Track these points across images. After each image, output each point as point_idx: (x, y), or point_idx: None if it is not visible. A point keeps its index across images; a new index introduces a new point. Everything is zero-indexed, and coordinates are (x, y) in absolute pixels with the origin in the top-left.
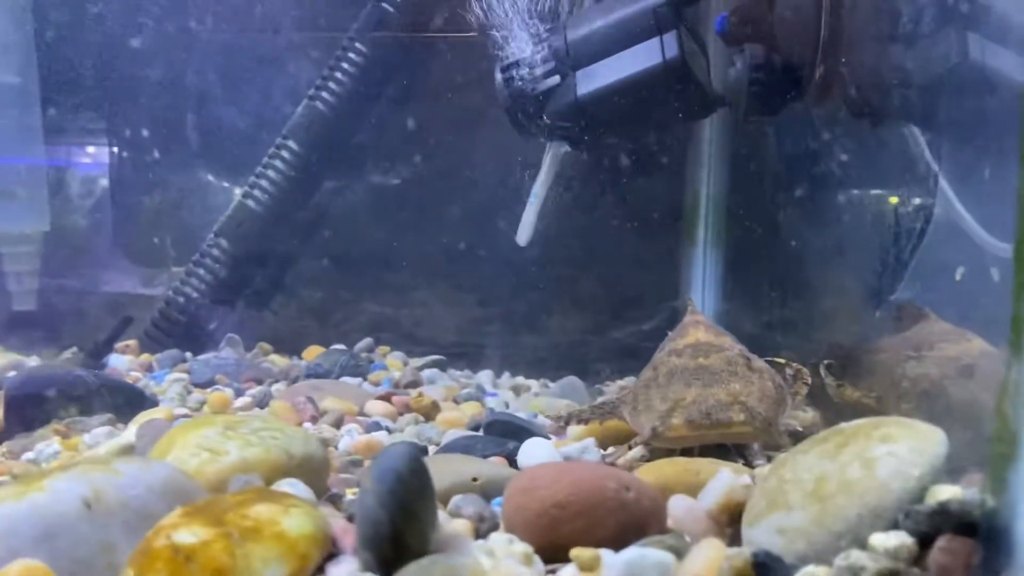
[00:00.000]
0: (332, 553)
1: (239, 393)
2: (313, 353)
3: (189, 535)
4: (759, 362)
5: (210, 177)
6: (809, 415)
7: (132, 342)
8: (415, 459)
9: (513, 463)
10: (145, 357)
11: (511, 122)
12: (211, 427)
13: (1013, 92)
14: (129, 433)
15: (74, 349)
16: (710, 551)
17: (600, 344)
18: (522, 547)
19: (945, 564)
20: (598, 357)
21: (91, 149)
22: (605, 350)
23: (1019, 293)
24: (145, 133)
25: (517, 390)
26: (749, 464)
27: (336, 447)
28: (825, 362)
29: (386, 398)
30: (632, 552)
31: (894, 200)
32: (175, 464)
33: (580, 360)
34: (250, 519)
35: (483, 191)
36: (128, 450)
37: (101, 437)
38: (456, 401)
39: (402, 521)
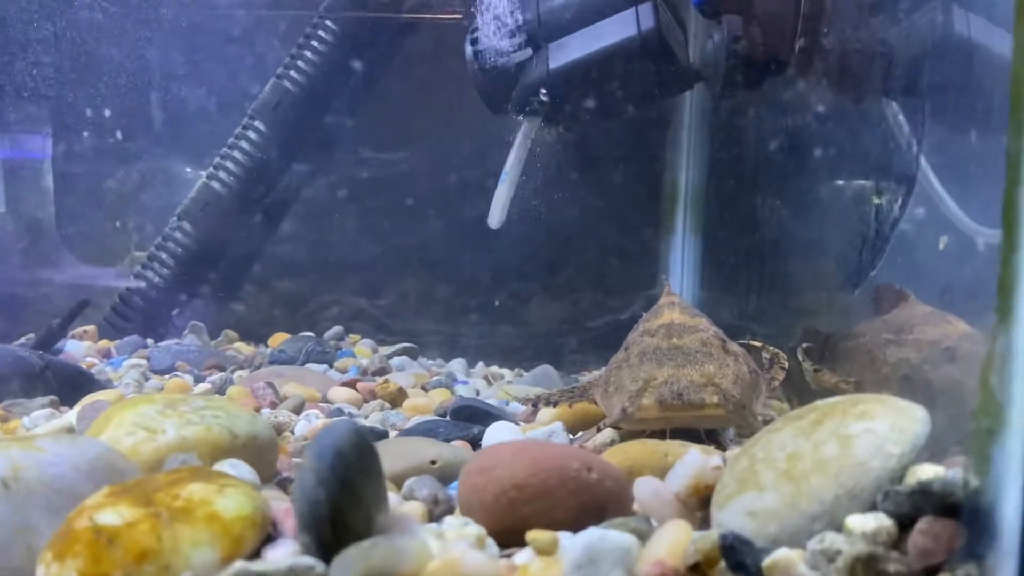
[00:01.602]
0: (271, 536)
1: (199, 380)
2: (279, 340)
3: (114, 516)
4: (734, 345)
5: (171, 161)
6: (786, 406)
7: (91, 328)
8: (358, 436)
9: (477, 447)
10: (104, 343)
11: (482, 97)
12: (150, 405)
13: (997, 65)
14: (71, 416)
15: (30, 335)
16: (675, 534)
17: (577, 334)
18: (475, 529)
19: (926, 547)
20: (575, 347)
21: (39, 135)
22: (581, 340)
23: (1006, 257)
24: (92, 115)
25: (490, 379)
26: (722, 448)
27: (292, 432)
28: (803, 346)
29: (351, 384)
30: (591, 534)
31: (871, 184)
32: (107, 443)
33: (557, 350)
34: (181, 499)
35: (458, 175)
36: (68, 432)
37: (41, 420)
38: (425, 389)
39: (343, 501)
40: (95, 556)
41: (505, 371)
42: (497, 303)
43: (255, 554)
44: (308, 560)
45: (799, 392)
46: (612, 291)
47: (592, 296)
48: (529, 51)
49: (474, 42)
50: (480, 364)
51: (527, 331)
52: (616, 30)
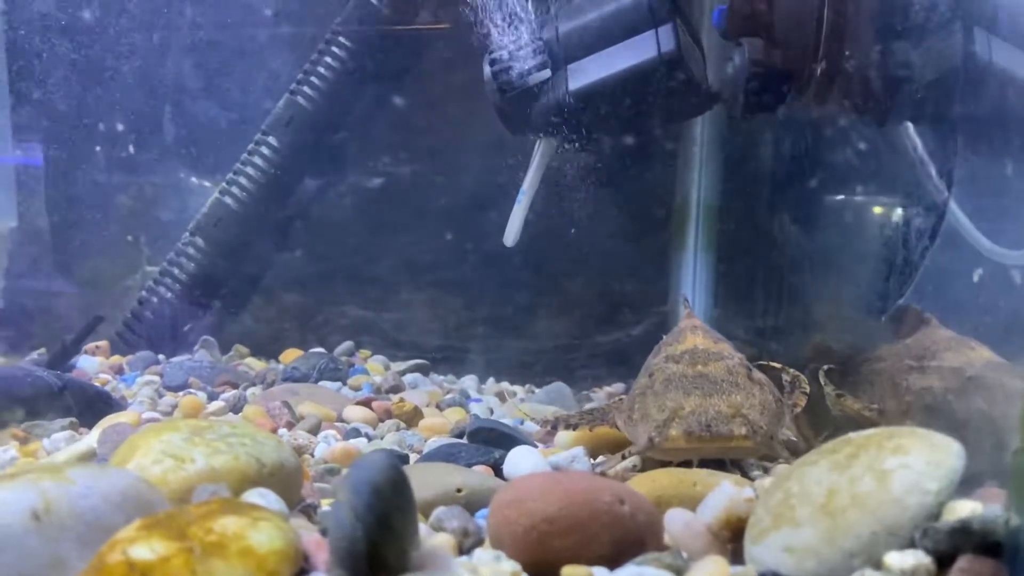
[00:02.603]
0: (304, 569)
1: (213, 397)
2: (291, 356)
3: (147, 550)
4: (758, 373)
5: (184, 175)
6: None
7: (103, 343)
8: (394, 469)
9: (499, 472)
10: (116, 359)
11: (499, 117)
12: (176, 432)
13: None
14: (91, 438)
15: (41, 350)
16: (712, 571)
17: (587, 350)
18: (509, 565)
19: None
20: (585, 363)
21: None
22: (592, 356)
23: None
24: (104, 129)
25: (502, 396)
26: (746, 475)
27: (312, 455)
28: (824, 368)
29: (366, 403)
30: (628, 572)
31: (894, 206)
32: (136, 472)
33: (566, 366)
34: (214, 533)
35: (469, 190)
36: (89, 456)
37: (61, 442)
38: (439, 407)
39: (379, 537)
40: None
41: (517, 387)
42: (506, 318)
43: None
44: None
45: (813, 413)
46: (623, 307)
47: (602, 312)
48: (548, 72)
49: (493, 63)
50: (491, 380)
51: (537, 346)
52: (636, 52)
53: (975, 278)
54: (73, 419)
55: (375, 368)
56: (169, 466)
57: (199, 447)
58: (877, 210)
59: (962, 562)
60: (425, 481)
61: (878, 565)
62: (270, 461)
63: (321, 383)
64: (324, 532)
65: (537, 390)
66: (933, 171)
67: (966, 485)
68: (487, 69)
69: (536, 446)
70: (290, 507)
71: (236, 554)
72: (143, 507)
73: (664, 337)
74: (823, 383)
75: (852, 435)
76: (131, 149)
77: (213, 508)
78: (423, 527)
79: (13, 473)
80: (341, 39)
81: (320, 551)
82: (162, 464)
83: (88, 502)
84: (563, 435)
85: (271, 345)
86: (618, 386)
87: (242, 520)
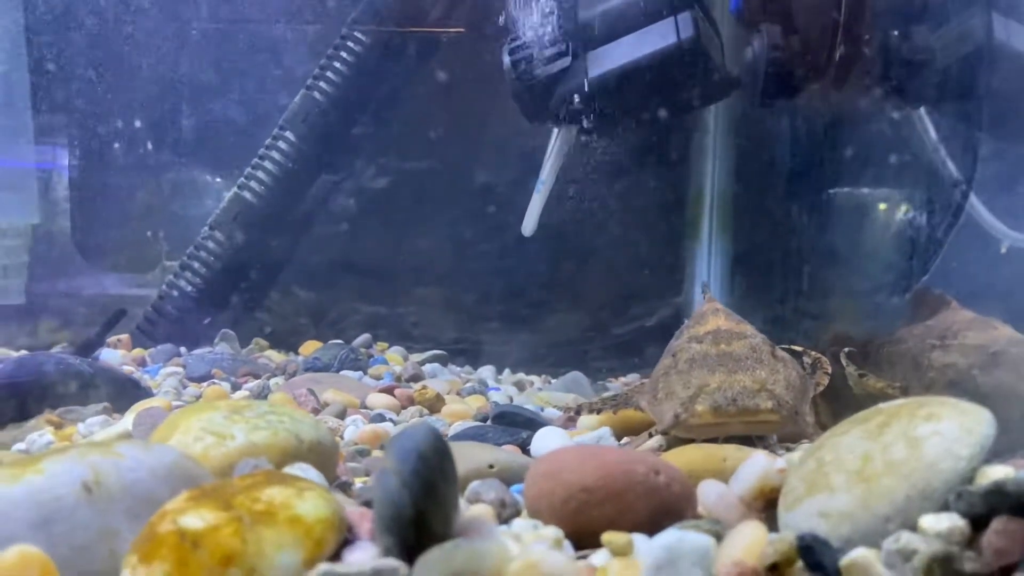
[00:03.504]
0: (348, 539)
1: (236, 387)
2: (310, 348)
3: (196, 519)
4: (781, 351)
5: (201, 171)
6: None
7: (124, 336)
8: (438, 438)
9: (526, 452)
10: (137, 352)
11: (518, 106)
12: (215, 411)
13: None
14: (126, 422)
15: (64, 344)
16: (751, 534)
17: (601, 341)
18: (552, 531)
19: (1002, 547)
20: (599, 355)
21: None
22: (606, 347)
23: None
24: (123, 126)
25: (521, 385)
26: (772, 453)
27: (342, 437)
28: (845, 350)
29: (388, 391)
30: (670, 535)
31: (914, 191)
32: (179, 448)
33: (581, 357)
34: (262, 502)
35: (483, 184)
36: (125, 438)
37: (96, 426)
38: (460, 395)
39: (425, 503)
40: (181, 559)
41: (533, 378)
42: (521, 310)
43: (335, 557)
44: (392, 562)
45: (834, 396)
46: (637, 298)
47: (617, 303)
48: (568, 60)
49: (512, 52)
50: (506, 371)
51: (551, 338)
52: (655, 39)
53: (1003, 249)
54: (106, 404)
55: (394, 359)
56: (210, 442)
57: (238, 424)
58: (895, 193)
59: (997, 524)
60: (459, 458)
61: (913, 528)
62: (308, 438)
63: (342, 373)
64: (368, 504)
65: (553, 380)
66: (950, 153)
67: (995, 459)
68: (506, 58)
69: (560, 430)
70: (328, 484)
71: (284, 522)
72: (189, 481)
73: (686, 321)
74: (845, 364)
75: (882, 405)
76: (149, 146)
77: (258, 479)
78: (461, 501)
79: (62, 448)
80: (357, 34)
81: (364, 522)
82: (203, 441)
83: (136, 475)
84: (586, 419)
85: (288, 339)
86: (633, 377)
87: (288, 490)
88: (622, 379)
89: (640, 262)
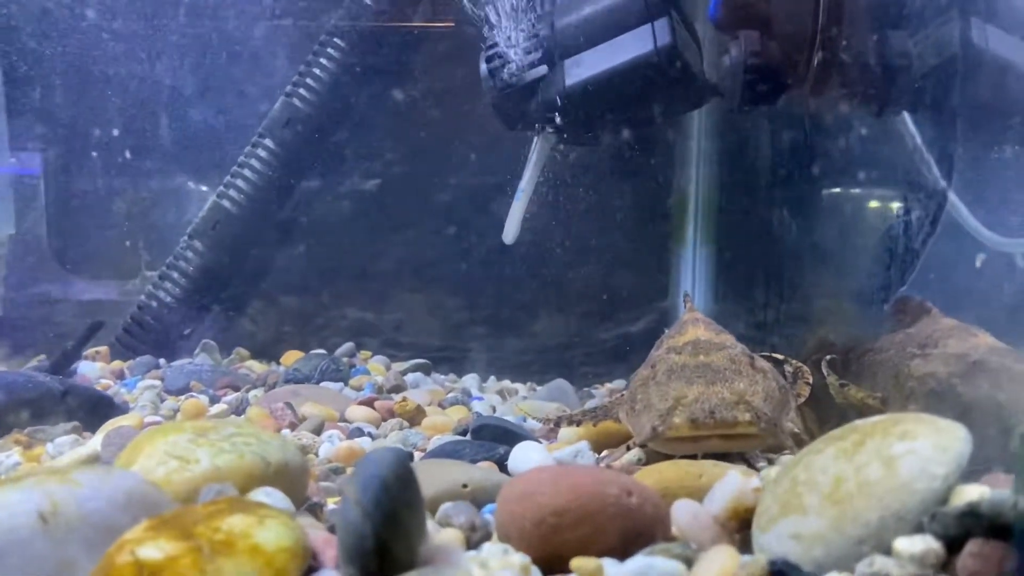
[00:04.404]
0: (312, 567)
1: (214, 400)
2: (292, 358)
3: (155, 550)
4: (762, 361)
5: (180, 179)
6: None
7: (103, 349)
8: (402, 465)
9: (504, 468)
10: (116, 364)
11: (497, 114)
12: (180, 433)
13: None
14: (95, 442)
15: (41, 356)
16: (722, 559)
17: (587, 347)
18: (519, 558)
19: (976, 570)
20: (585, 360)
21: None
22: (592, 353)
23: None
24: (100, 134)
25: (504, 394)
26: (751, 466)
27: (316, 454)
28: (827, 359)
29: (368, 403)
30: (638, 562)
31: (894, 197)
32: (140, 473)
33: (567, 363)
34: (222, 532)
35: (467, 190)
36: (93, 460)
37: (65, 447)
38: (441, 406)
39: (388, 533)
40: None
41: (518, 385)
42: (506, 316)
43: None
44: None
45: (818, 405)
46: (622, 304)
47: (602, 309)
48: (545, 68)
49: (489, 59)
50: (492, 378)
51: (536, 344)
52: (632, 46)
53: (977, 263)
54: (76, 423)
55: (376, 368)
56: (174, 467)
57: (203, 447)
58: (877, 201)
59: (972, 546)
60: (430, 478)
61: (887, 551)
62: (275, 460)
63: (323, 384)
64: (332, 529)
65: (539, 387)
66: (932, 160)
67: (973, 472)
68: (483, 66)
69: (540, 442)
70: (297, 506)
71: (244, 552)
72: (149, 508)
73: (666, 330)
74: (826, 373)
75: (858, 422)
76: (128, 155)
77: (220, 507)
78: (430, 523)
79: (17, 477)
80: (336, 39)
81: (328, 548)
82: (167, 465)
83: (94, 504)
84: (566, 431)
85: (272, 348)
86: (619, 382)
87: (249, 518)
88: (608, 385)
89: (625, 267)
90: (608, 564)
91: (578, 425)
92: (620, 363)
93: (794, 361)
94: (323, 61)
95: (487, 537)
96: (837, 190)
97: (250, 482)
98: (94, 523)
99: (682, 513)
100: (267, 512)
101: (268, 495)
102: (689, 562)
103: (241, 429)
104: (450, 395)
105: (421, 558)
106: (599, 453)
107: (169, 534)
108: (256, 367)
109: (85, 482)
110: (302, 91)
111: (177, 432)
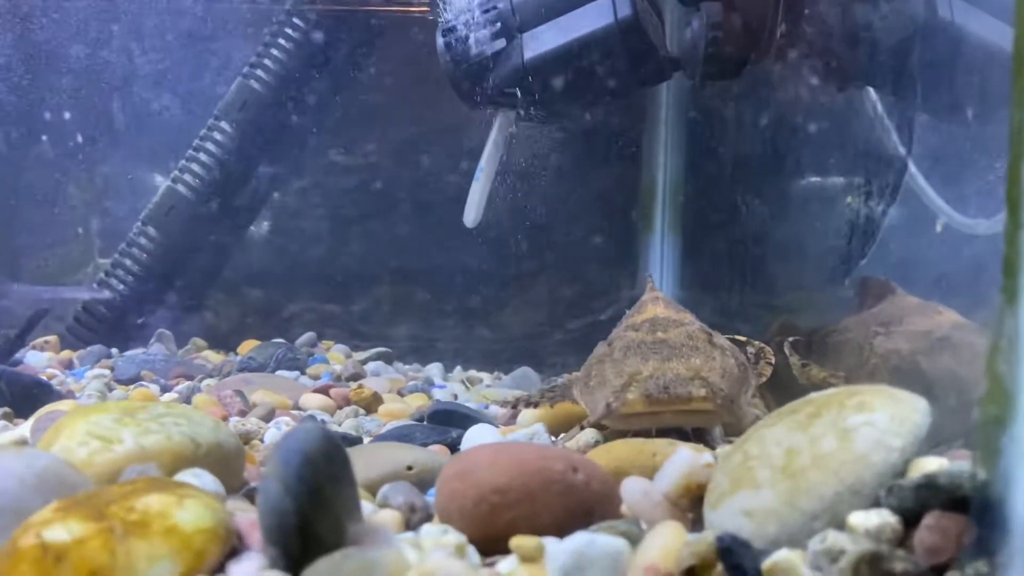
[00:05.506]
0: (236, 549)
1: (166, 390)
2: (248, 347)
3: (63, 532)
4: (721, 339)
5: (132, 164)
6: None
7: (52, 338)
8: (327, 440)
9: (456, 452)
10: (67, 354)
11: (455, 90)
12: (105, 414)
13: (985, 52)
14: (25, 427)
15: None
16: (667, 536)
17: (556, 336)
18: (454, 538)
19: (934, 544)
20: (555, 349)
21: None
22: (562, 342)
23: (1011, 236)
24: (50, 118)
25: (469, 383)
26: (709, 447)
27: (262, 440)
28: (789, 340)
29: (324, 391)
30: (578, 539)
31: (856, 174)
32: (60, 454)
33: (536, 353)
34: (136, 512)
35: (431, 176)
36: (20, 444)
37: None
38: (401, 394)
39: (311, 510)
40: (42, 575)
41: (484, 375)
42: (474, 306)
43: (219, 569)
44: (275, 574)
45: (780, 388)
46: (591, 291)
47: (571, 297)
48: (503, 42)
49: (445, 34)
50: (458, 368)
51: (505, 334)
52: (592, 19)
53: (938, 228)
54: (7, 409)
55: (336, 357)
56: (95, 447)
57: (128, 427)
58: (840, 180)
59: (929, 519)
60: (375, 460)
61: (842, 526)
62: (206, 441)
63: (279, 373)
64: None
65: (504, 376)
66: (893, 132)
67: (938, 447)
68: (439, 40)
69: (496, 426)
70: (232, 490)
71: (159, 533)
72: (64, 489)
73: (627, 311)
74: (788, 354)
75: (813, 395)
76: (79, 139)
77: (137, 487)
78: (370, 505)
79: None
80: (295, 19)
81: (255, 531)
82: (88, 446)
83: (4, 484)
84: (526, 415)
85: (233, 339)
86: None
87: (167, 498)
88: (576, 373)
89: (593, 255)
90: (549, 542)
91: (536, 407)
92: (589, 351)
93: (756, 342)
94: (281, 42)
95: (428, 519)
96: (801, 170)
97: (178, 463)
98: (2, 505)
99: (632, 491)
100: (188, 492)
101: (197, 476)
102: (635, 540)
103: (171, 410)
104: (411, 383)
105: (350, 538)
106: (557, 435)
107: (79, 515)
108: (213, 357)
109: None
110: (259, 72)
111: (101, 412)
